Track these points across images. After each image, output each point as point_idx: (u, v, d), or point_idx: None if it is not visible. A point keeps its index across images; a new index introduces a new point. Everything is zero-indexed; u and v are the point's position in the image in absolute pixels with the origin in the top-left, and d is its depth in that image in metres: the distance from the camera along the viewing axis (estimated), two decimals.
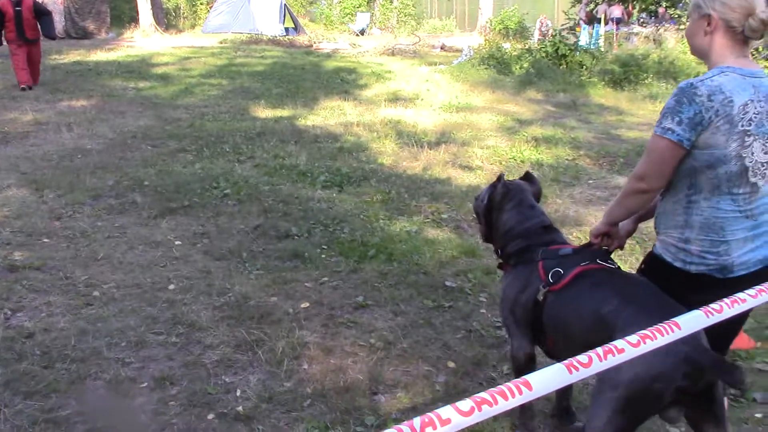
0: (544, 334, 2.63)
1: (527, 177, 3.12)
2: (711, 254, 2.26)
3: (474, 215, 3.23)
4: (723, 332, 2.26)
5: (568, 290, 2.49)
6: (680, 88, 2.23)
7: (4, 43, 11.97)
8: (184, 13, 29.24)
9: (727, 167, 2.21)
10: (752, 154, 2.21)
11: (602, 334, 2.14)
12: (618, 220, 2.59)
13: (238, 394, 3.26)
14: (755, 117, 2.19)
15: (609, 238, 2.64)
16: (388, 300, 4.23)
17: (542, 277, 2.60)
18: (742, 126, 2.17)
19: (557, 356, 2.56)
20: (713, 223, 2.27)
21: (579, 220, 5.78)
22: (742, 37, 2.25)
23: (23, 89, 11.59)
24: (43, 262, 4.70)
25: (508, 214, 2.91)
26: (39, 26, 12.09)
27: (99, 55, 16.92)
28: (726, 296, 2.43)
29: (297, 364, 3.51)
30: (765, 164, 2.25)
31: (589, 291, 2.42)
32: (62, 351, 3.59)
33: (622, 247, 2.74)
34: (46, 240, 5.13)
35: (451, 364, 3.54)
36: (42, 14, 12.24)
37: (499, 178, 2.99)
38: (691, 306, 2.20)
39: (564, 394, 3.07)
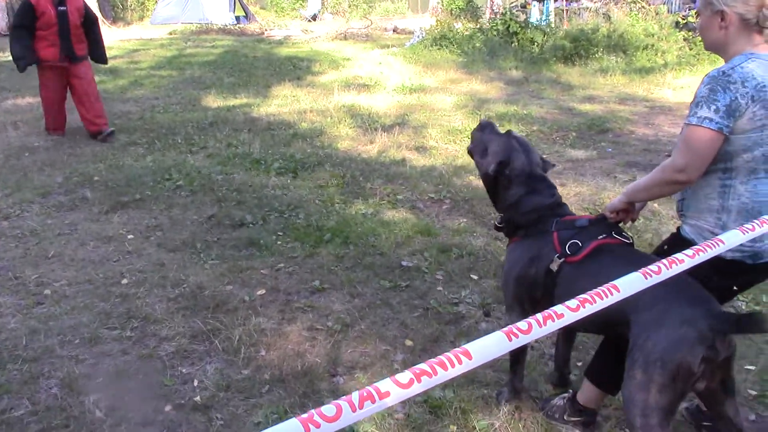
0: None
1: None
2: (749, 240, 2.21)
3: (469, 155, 3.07)
4: None
5: (586, 263, 2.42)
6: (711, 76, 2.22)
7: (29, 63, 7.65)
8: (131, 5, 28.66)
9: (764, 149, 2.22)
10: None
11: (619, 313, 2.13)
12: (640, 202, 2.61)
13: (195, 384, 3.23)
14: None
15: (624, 212, 2.63)
16: (345, 282, 4.22)
17: (557, 248, 2.52)
18: None
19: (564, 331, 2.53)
20: (752, 207, 2.27)
21: None
22: (757, 27, 2.27)
23: (54, 134, 8.03)
24: None
25: (518, 188, 2.75)
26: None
27: None
28: (753, 282, 2.48)
29: (254, 351, 3.49)
30: None
31: (611, 265, 2.29)
32: (13, 351, 3.51)
33: (634, 221, 2.74)
34: None
35: (409, 343, 3.55)
36: (91, 23, 7.97)
37: (509, 133, 2.86)
38: (715, 290, 2.24)
39: (563, 360, 3.13)
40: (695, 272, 2.03)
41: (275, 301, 4.01)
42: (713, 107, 2.17)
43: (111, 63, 14.13)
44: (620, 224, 2.65)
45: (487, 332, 3.48)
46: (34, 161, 7.01)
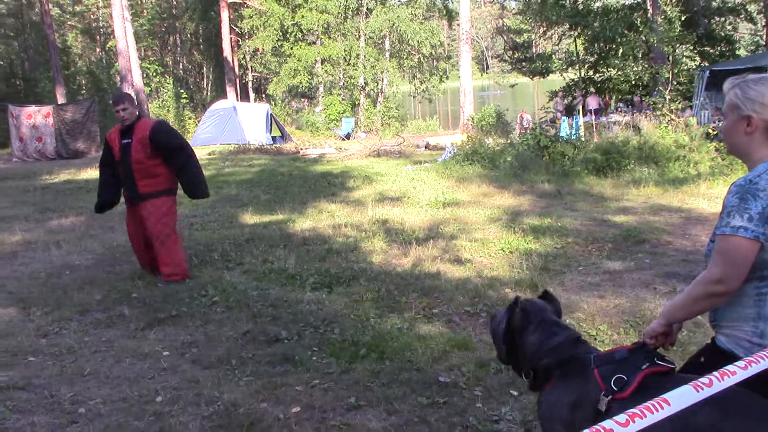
0: None
1: (545, 295, 2.89)
2: None
3: (489, 337, 3.03)
4: None
5: (637, 397, 2.15)
6: (738, 185, 2.22)
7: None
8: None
9: None
10: None
11: None
12: (679, 321, 2.52)
13: None
14: None
15: (663, 336, 2.53)
16: (381, 399, 4.13)
17: (601, 385, 2.33)
18: None
19: None
20: None
21: (571, 307, 5.71)
22: None
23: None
24: (28, 381, 4.59)
25: (534, 335, 2.67)
26: (168, 172, 6.91)
27: (89, 173, 17.10)
28: None
29: None
30: None
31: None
32: None
33: (673, 344, 2.60)
34: (31, 358, 5.04)
35: None
36: (170, 151, 6.84)
37: (516, 300, 2.78)
38: None
39: None
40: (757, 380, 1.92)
41: (310, 419, 3.92)
42: (746, 215, 2.15)
43: None
44: (660, 349, 2.52)
45: None
46: (75, 279, 7.14)
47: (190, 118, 30.94)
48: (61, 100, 27.61)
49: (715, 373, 1.75)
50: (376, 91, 34.10)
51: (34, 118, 23.51)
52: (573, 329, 2.72)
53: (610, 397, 2.27)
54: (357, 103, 33.31)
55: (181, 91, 34.04)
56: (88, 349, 5.17)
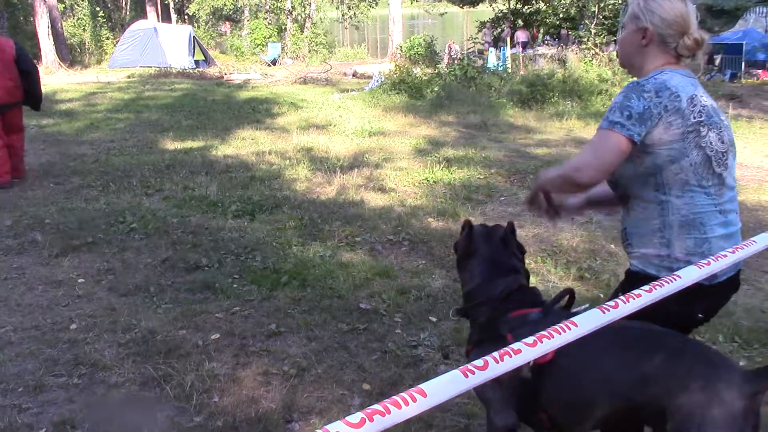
0: (535, 410, 2.29)
1: (510, 229, 2.61)
2: (696, 256, 2.17)
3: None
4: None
5: (561, 357, 2.08)
6: (627, 86, 2.24)
7: None
8: (89, 48, 28.49)
9: (690, 159, 2.20)
10: (711, 143, 2.22)
11: (651, 403, 1.96)
12: (547, 192, 2.45)
13: None
14: (703, 109, 2.22)
15: (545, 203, 2.47)
16: (302, 326, 4.14)
17: None
18: (695, 117, 2.20)
19: (554, 427, 2.30)
20: (692, 219, 2.23)
21: None
22: (674, 53, 2.30)
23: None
24: None
25: (471, 273, 2.55)
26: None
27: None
28: (716, 306, 2.40)
29: (207, 397, 3.38)
30: (723, 153, 2.26)
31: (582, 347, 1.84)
32: None
33: (559, 216, 2.56)
34: None
35: (367, 387, 3.47)
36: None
37: (465, 224, 2.62)
38: (677, 321, 2.19)
39: None
40: (656, 306, 1.89)
41: (230, 346, 3.91)
42: (626, 113, 2.17)
43: (66, 106, 14.04)
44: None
45: None
46: None
47: (107, 38, 29.46)
48: None
49: (621, 296, 1.79)
50: (303, 16, 33.21)
51: None
52: (517, 276, 2.52)
53: (531, 364, 2.11)
54: (284, 28, 32.42)
55: (98, 9, 32.32)
56: None
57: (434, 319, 4.24)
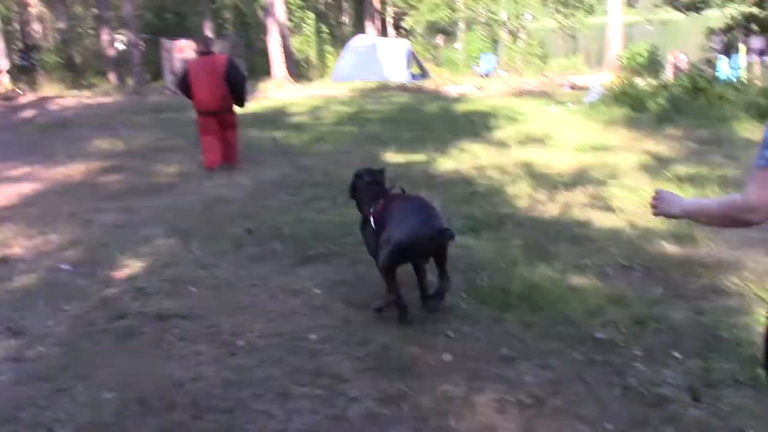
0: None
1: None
2: None
3: None
4: None
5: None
6: None
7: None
8: (313, 63, 30.26)
9: None
10: None
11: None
12: (693, 219, 2.61)
13: None
14: None
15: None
16: (534, 353, 4.04)
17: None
18: None
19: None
20: None
21: (737, 265, 5.35)
22: None
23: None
24: (190, 310, 4.83)
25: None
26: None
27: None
28: None
29: (444, 420, 3.38)
30: None
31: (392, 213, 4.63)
32: (210, 401, 3.63)
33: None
34: (192, 289, 5.28)
35: (609, 426, 3.30)
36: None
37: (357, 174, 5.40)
38: None
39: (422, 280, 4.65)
40: None
41: (462, 368, 3.89)
42: None
43: (296, 119, 14.92)
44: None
45: (698, 421, 3.19)
46: (227, 212, 7.40)
47: (329, 54, 31.13)
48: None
49: None
50: (517, 26, 33.00)
51: (185, 51, 24.41)
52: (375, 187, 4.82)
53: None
54: (498, 39, 32.40)
55: (321, 25, 34.24)
56: (243, 282, 5.36)
57: (678, 356, 3.94)
